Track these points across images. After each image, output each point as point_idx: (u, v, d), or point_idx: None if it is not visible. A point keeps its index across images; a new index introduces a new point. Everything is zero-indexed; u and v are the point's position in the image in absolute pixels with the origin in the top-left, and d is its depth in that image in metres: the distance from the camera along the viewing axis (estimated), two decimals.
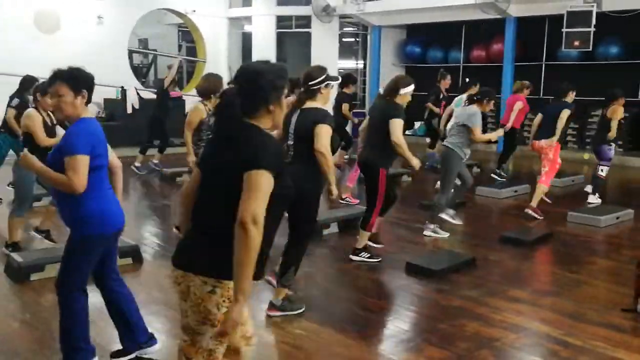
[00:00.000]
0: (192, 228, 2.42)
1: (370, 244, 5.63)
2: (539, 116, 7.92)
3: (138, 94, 13.06)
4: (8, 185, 7.48)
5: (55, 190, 3.17)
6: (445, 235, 6.38)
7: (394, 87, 5.32)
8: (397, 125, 5.16)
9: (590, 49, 11.38)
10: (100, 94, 10.79)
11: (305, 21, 15.53)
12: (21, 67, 8.82)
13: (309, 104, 4.21)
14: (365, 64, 16.72)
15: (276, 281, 4.30)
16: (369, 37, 15.98)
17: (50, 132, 5.13)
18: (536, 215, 7.19)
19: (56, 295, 3.19)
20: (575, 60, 12.80)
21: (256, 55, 14.92)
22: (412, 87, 5.36)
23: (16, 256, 4.96)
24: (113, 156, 3.39)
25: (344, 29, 16.58)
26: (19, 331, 3.98)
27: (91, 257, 3.19)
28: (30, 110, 5.18)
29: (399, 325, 4.25)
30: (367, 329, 4.10)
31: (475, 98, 6.66)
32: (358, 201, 7.65)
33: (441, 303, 4.57)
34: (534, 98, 10.95)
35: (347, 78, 9.04)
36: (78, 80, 3.09)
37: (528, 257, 5.83)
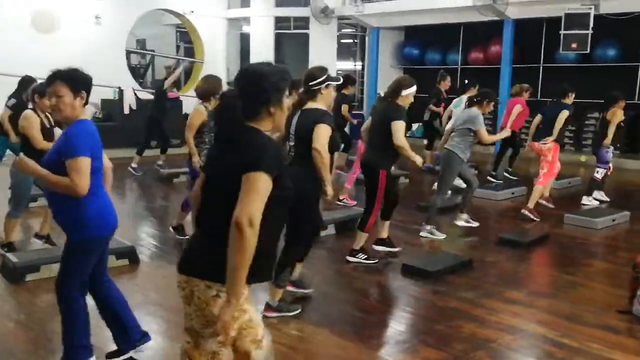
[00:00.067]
0: (196, 231, 2.43)
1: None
2: (538, 117, 7.96)
3: (135, 94, 13.03)
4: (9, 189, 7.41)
5: (50, 194, 3.13)
6: (442, 236, 6.38)
7: (396, 89, 5.31)
8: (398, 127, 5.15)
9: (588, 51, 11.42)
10: (97, 95, 10.81)
11: (304, 22, 15.52)
12: (20, 67, 8.79)
13: (310, 105, 4.21)
14: (363, 66, 16.73)
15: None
16: (367, 38, 15.97)
17: (48, 133, 5.04)
18: (532, 216, 7.20)
19: (56, 296, 3.19)
20: (573, 62, 12.82)
21: (254, 57, 14.87)
22: (414, 89, 5.33)
23: (11, 256, 4.95)
24: (104, 157, 3.38)
25: (342, 30, 16.59)
26: (14, 331, 3.97)
27: (91, 257, 3.19)
28: (28, 112, 5.09)
29: (395, 326, 4.26)
30: (364, 330, 4.10)
31: (475, 100, 6.66)
32: (355, 202, 7.65)
33: (437, 304, 4.57)
34: (532, 100, 10.96)
35: (347, 79, 9.03)
36: (77, 81, 3.08)
37: (524, 259, 5.83)
